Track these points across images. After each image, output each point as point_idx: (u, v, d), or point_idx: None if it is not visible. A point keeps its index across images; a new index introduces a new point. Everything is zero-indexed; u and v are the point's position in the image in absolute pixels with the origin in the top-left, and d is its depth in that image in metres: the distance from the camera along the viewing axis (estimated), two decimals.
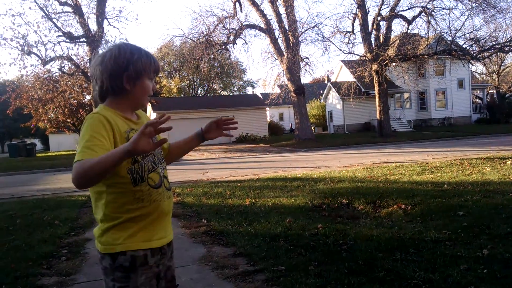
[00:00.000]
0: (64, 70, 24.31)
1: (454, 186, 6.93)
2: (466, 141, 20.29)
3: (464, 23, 23.82)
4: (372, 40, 25.19)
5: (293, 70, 24.62)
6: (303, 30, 25.07)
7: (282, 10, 24.94)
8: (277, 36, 25.51)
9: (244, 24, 25.91)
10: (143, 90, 1.69)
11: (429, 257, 3.60)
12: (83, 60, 23.77)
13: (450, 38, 23.96)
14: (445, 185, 7.04)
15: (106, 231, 1.62)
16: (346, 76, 36.85)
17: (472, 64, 27.20)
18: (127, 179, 1.60)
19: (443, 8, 23.81)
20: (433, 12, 23.47)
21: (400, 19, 25.64)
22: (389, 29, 25.29)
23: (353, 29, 25.45)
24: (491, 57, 29.89)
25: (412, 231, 4.42)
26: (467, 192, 6.29)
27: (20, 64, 20.72)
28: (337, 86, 35.03)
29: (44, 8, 20.37)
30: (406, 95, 35.51)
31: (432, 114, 35.06)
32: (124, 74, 1.63)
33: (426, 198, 5.96)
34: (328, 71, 54.72)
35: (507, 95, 42.47)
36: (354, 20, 25.27)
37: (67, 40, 21.24)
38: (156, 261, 1.67)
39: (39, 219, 6.32)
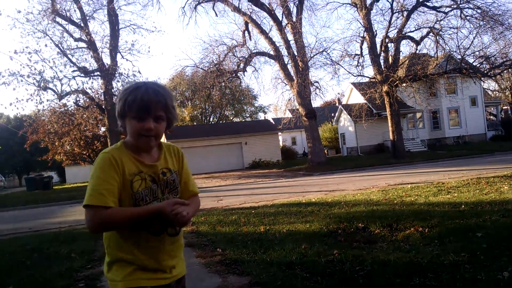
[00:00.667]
0: (80, 103, 24.88)
1: (471, 206, 6.81)
2: (482, 159, 20.00)
3: (472, 41, 23.70)
4: (381, 61, 25.33)
5: (303, 94, 24.79)
6: (311, 55, 25.37)
7: (290, 36, 25.35)
8: (286, 62, 25.83)
9: (253, 51, 26.36)
10: (130, 129, 1.64)
11: (448, 281, 3.52)
12: (98, 93, 24.31)
13: (459, 57, 23.96)
14: (463, 206, 6.92)
15: (110, 266, 1.65)
16: (357, 98, 36.93)
17: (483, 81, 27.11)
18: None
19: (450, 28, 23.90)
20: (441, 32, 23.60)
21: (408, 40, 25.81)
22: (397, 50, 25.43)
23: (361, 52, 25.66)
24: (502, 74, 29.71)
25: (430, 255, 4.34)
26: (485, 212, 6.17)
27: (36, 100, 21.32)
28: (348, 108, 35.09)
29: (60, 45, 21.09)
30: (418, 115, 35.35)
31: (446, 133, 34.74)
32: (118, 114, 1.67)
33: (443, 220, 5.87)
34: (338, 94, 54.85)
35: None
36: (362, 43, 25.50)
37: (82, 75, 21.84)
38: None
39: (56, 253, 6.36)
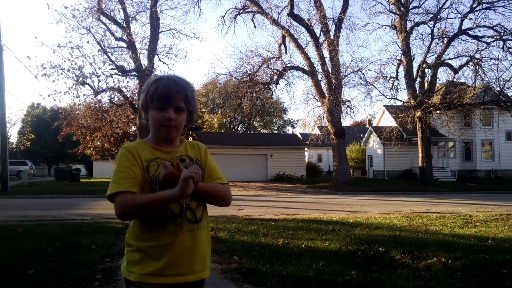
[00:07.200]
0: (114, 101, 25.47)
1: (499, 242, 6.58)
2: None
3: None
4: (417, 86, 24.98)
5: (334, 112, 24.65)
6: (346, 74, 25.24)
7: (326, 53, 25.34)
8: (319, 78, 25.81)
9: (288, 65, 26.47)
10: (152, 121, 1.68)
11: None
12: (132, 93, 24.85)
13: (498, 89, 23.39)
14: (489, 240, 6.69)
15: (127, 256, 1.67)
16: (388, 121, 36.44)
17: None
18: None
19: (491, 59, 23.37)
20: (480, 62, 23.11)
21: (446, 67, 25.39)
22: (434, 76, 25.04)
23: (397, 75, 25.40)
24: None
25: (451, 287, 4.21)
26: None
27: (74, 93, 21.92)
28: (379, 130, 34.65)
29: (101, 43, 21.70)
30: (450, 144, 34.54)
31: (477, 165, 33.74)
32: (141, 106, 1.73)
33: (468, 253, 5.68)
34: (369, 115, 54.29)
35: None
36: (398, 66, 25.24)
37: (119, 73, 22.37)
38: None
39: (77, 243, 6.49)
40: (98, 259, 5.48)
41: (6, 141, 19.95)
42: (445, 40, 24.59)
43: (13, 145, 52.10)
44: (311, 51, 26.75)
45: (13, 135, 58.24)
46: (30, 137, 47.94)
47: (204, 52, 62.06)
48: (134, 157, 1.63)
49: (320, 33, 25.57)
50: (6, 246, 6.16)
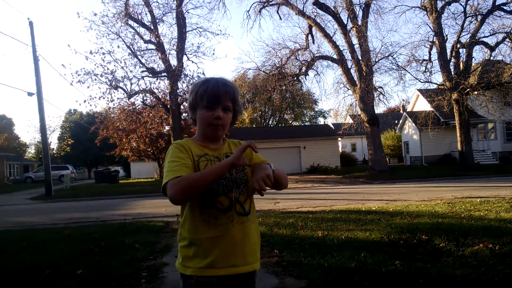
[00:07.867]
0: (147, 102, 25.98)
1: None
2: None
3: None
4: (451, 68, 24.15)
5: (366, 100, 24.21)
6: (376, 60, 24.69)
7: (355, 40, 24.89)
8: (349, 66, 25.35)
9: (316, 55, 26.16)
10: (200, 119, 1.75)
11: None
12: (164, 93, 25.29)
13: None
14: None
15: (181, 251, 1.72)
16: (423, 105, 35.47)
17: None
18: (195, 201, 1.67)
19: None
20: None
21: (482, 45, 24.41)
22: (469, 56, 24.12)
23: (430, 57, 24.65)
24: None
25: (501, 273, 4.07)
26: None
27: (108, 98, 22.50)
28: (414, 115, 33.82)
29: (131, 46, 22.15)
30: (490, 126, 33.26)
31: None
32: (189, 106, 1.79)
33: None
34: (403, 100, 53.03)
35: None
36: (431, 48, 24.48)
37: (150, 75, 22.79)
38: None
39: (121, 242, 6.68)
40: (142, 257, 5.62)
41: (47, 148, 20.75)
42: (479, 17, 23.64)
43: (54, 151, 54.14)
44: (339, 39, 26.47)
45: (53, 141, 60.56)
46: (69, 142, 49.65)
47: (231, 48, 62.43)
48: (186, 151, 1.71)
49: (347, 20, 25.14)
50: (55, 248, 6.41)
